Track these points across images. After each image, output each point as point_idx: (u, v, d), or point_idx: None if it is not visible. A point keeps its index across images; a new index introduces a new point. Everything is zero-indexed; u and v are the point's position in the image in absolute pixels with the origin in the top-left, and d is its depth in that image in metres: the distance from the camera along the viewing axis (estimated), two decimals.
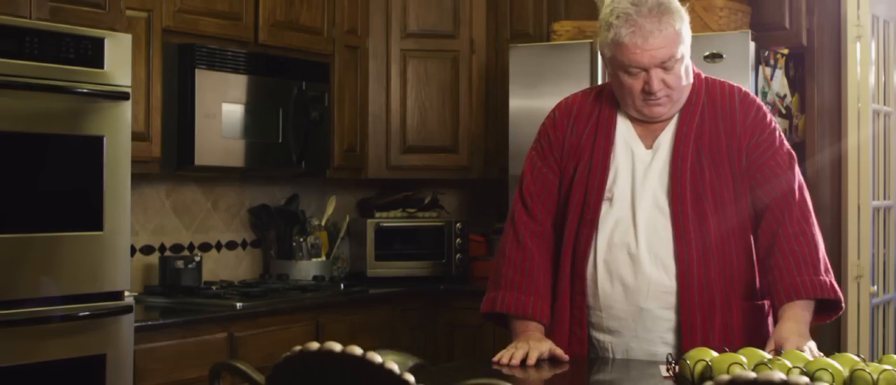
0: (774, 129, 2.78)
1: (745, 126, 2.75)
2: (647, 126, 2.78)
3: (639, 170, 2.76)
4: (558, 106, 2.93)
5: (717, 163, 2.72)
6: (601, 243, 2.75)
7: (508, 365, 2.65)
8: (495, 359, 2.68)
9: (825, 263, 2.68)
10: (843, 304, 2.70)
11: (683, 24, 2.72)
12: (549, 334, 2.81)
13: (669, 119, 2.77)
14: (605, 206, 2.75)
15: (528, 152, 2.91)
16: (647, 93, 2.69)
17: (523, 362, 2.66)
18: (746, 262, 2.75)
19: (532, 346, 2.69)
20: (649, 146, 2.77)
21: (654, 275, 2.70)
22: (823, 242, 2.73)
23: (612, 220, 2.75)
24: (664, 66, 2.67)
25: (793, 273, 2.64)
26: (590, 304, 2.78)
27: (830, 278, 2.67)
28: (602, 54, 2.78)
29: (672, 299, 2.71)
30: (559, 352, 2.71)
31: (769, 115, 2.81)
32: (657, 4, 2.67)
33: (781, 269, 2.65)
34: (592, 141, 2.80)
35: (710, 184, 2.71)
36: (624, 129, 2.80)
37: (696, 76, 2.81)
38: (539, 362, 2.67)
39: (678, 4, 2.73)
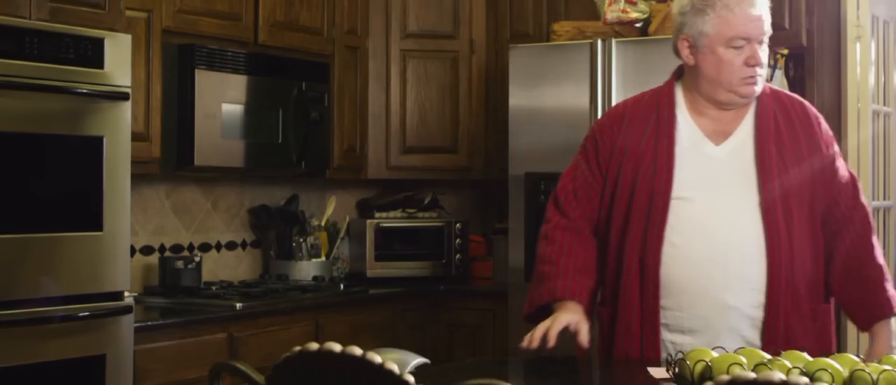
0: (836, 146, 2.84)
1: (823, 138, 2.79)
2: (715, 124, 2.76)
3: (712, 167, 2.73)
4: (612, 110, 2.93)
5: (798, 163, 2.72)
6: (678, 242, 2.69)
7: (530, 347, 2.63)
8: (523, 344, 2.66)
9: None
10: None
11: (767, 6, 2.76)
12: (618, 341, 2.77)
13: (741, 115, 2.77)
14: (677, 205, 2.70)
15: (574, 157, 2.91)
16: (750, 66, 2.69)
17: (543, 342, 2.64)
18: (817, 264, 2.75)
19: (554, 321, 2.67)
20: (719, 143, 2.75)
21: (743, 270, 2.67)
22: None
23: (687, 219, 2.70)
24: (762, 40, 2.71)
25: (878, 291, 2.72)
26: (664, 305, 2.72)
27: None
28: (687, 43, 2.76)
29: (760, 297, 2.69)
30: (582, 327, 2.69)
31: None
32: None
33: (866, 284, 2.73)
34: (654, 143, 2.76)
35: (793, 182, 2.71)
36: (687, 129, 2.77)
37: None
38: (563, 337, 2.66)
39: None
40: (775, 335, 2.66)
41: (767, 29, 2.72)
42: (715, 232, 2.68)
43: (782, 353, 2.30)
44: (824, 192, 2.75)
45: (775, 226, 2.66)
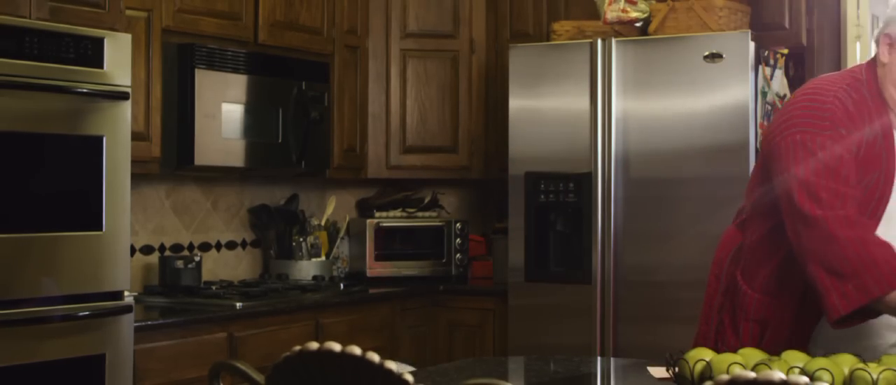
0: None
1: None
2: None
3: None
4: (844, 94, 2.51)
5: None
6: None
7: None
8: None
9: None
10: None
11: None
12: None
13: None
14: (881, 229, 2.45)
15: (807, 135, 2.46)
16: None
17: None
18: None
19: None
20: None
21: None
22: None
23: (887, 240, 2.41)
24: None
25: None
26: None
27: None
28: (889, 39, 2.51)
29: None
30: None
31: None
32: None
33: None
34: (878, 151, 2.48)
35: None
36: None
37: None
38: None
39: None
40: None
41: None
42: None
43: (782, 352, 2.30)
44: None
45: None
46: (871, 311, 2.38)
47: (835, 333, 2.46)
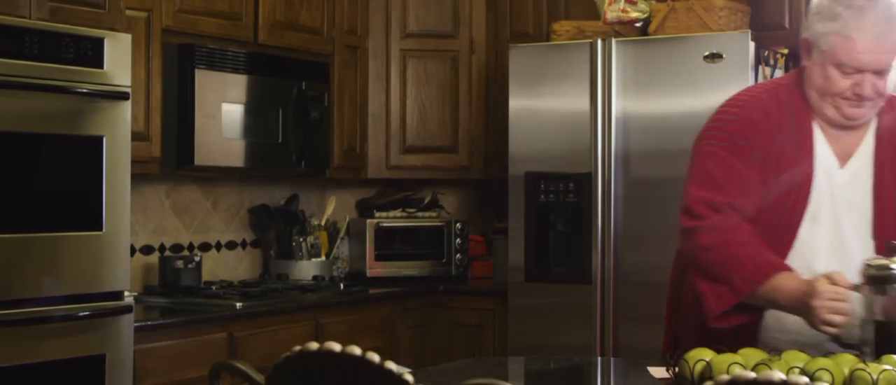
0: None
1: None
2: (841, 143, 2.56)
3: (835, 191, 2.53)
4: (749, 104, 2.61)
5: None
6: (799, 267, 2.47)
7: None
8: (825, 323, 2.33)
9: None
10: None
11: None
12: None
13: (862, 135, 2.57)
14: (805, 228, 2.52)
15: (710, 150, 2.59)
16: (857, 96, 2.48)
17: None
18: None
19: (822, 293, 2.33)
20: (843, 166, 2.56)
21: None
22: None
23: (812, 243, 2.52)
24: (880, 71, 2.47)
25: None
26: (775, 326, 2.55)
27: None
28: (810, 45, 2.55)
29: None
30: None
31: None
32: (885, 5, 2.47)
33: None
34: (795, 155, 2.53)
35: None
36: (821, 147, 2.55)
37: None
38: None
39: None
40: None
41: (890, 62, 2.47)
42: (827, 259, 2.49)
43: (782, 352, 2.30)
44: None
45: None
46: (750, 307, 2.48)
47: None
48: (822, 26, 2.50)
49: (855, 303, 2.34)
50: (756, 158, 2.52)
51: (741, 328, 2.51)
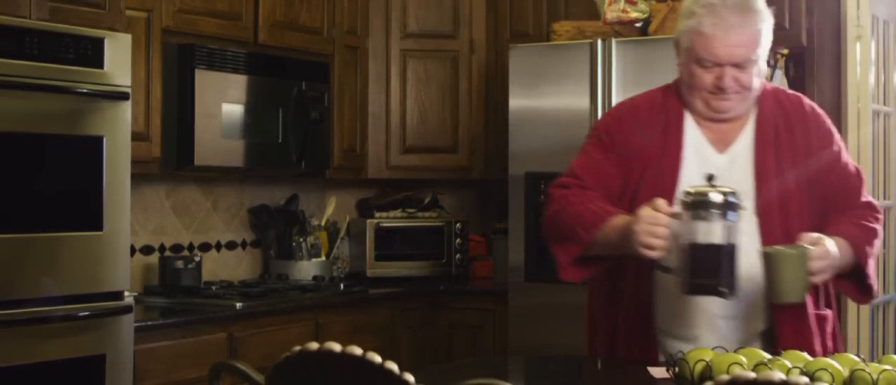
0: (838, 138, 2.76)
1: (819, 138, 2.71)
2: (719, 131, 2.70)
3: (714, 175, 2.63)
4: (621, 105, 2.85)
5: (797, 175, 2.66)
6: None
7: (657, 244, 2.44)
8: (655, 255, 2.45)
9: (874, 252, 2.65)
10: (874, 293, 2.67)
11: (766, 25, 2.64)
12: (614, 339, 2.73)
13: (742, 124, 2.70)
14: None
15: (582, 147, 2.81)
16: (719, 89, 2.62)
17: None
18: None
19: (642, 217, 2.46)
20: (722, 152, 2.70)
21: (741, 282, 2.51)
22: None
23: None
24: (739, 64, 2.61)
25: (855, 227, 2.63)
26: (660, 311, 2.69)
27: (874, 269, 2.66)
28: (677, 44, 2.70)
29: (758, 307, 2.62)
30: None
31: (832, 125, 2.78)
32: (744, 0, 2.61)
33: (845, 223, 2.63)
34: (662, 145, 2.70)
35: (793, 191, 2.65)
36: (694, 135, 2.71)
37: (763, 82, 2.73)
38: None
39: (763, 4, 2.65)
40: (784, 343, 2.59)
41: (746, 55, 2.60)
42: None
43: (782, 352, 2.30)
44: (827, 192, 2.68)
45: (772, 237, 2.59)
46: (598, 259, 2.67)
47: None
48: (683, 24, 2.65)
49: (674, 228, 2.44)
50: (617, 152, 2.73)
51: (607, 292, 2.73)
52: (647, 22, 4.65)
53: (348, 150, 5.05)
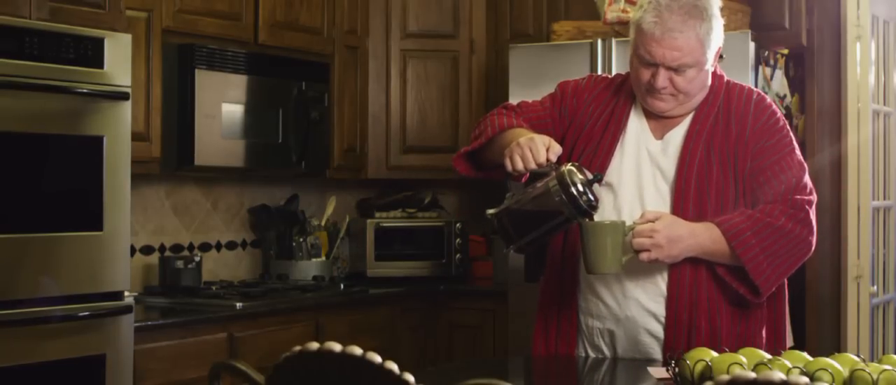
0: (785, 135, 2.73)
1: (754, 129, 2.70)
2: (660, 121, 2.75)
3: (646, 161, 2.73)
4: (590, 77, 2.91)
5: (724, 164, 2.67)
6: (607, 213, 2.70)
7: (525, 168, 2.59)
8: (509, 168, 2.59)
9: (775, 250, 2.62)
10: (761, 294, 2.64)
11: (711, 33, 2.63)
12: (539, 313, 2.83)
13: (684, 117, 2.74)
14: (604, 190, 2.71)
15: (540, 99, 2.93)
16: (653, 88, 2.65)
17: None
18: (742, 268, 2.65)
19: (536, 137, 2.58)
20: (659, 139, 2.75)
21: (646, 265, 2.63)
22: (807, 247, 2.67)
23: (611, 204, 2.72)
24: (675, 67, 2.62)
25: (740, 220, 2.61)
26: (581, 286, 2.77)
27: (770, 266, 2.61)
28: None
29: (662, 292, 2.68)
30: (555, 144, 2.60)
31: (782, 122, 2.75)
32: (691, 6, 2.60)
33: (740, 214, 2.63)
34: (604, 126, 2.77)
35: (715, 184, 2.66)
36: (636, 122, 2.77)
37: (719, 78, 2.76)
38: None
39: (715, 11, 2.64)
40: (678, 332, 2.64)
41: (680, 61, 2.61)
42: (630, 212, 2.68)
43: (783, 352, 2.30)
44: (755, 183, 2.67)
45: (683, 216, 2.62)
46: (493, 167, 2.78)
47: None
48: (633, 16, 2.67)
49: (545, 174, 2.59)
50: (561, 113, 2.85)
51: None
52: None
53: (348, 151, 5.05)
